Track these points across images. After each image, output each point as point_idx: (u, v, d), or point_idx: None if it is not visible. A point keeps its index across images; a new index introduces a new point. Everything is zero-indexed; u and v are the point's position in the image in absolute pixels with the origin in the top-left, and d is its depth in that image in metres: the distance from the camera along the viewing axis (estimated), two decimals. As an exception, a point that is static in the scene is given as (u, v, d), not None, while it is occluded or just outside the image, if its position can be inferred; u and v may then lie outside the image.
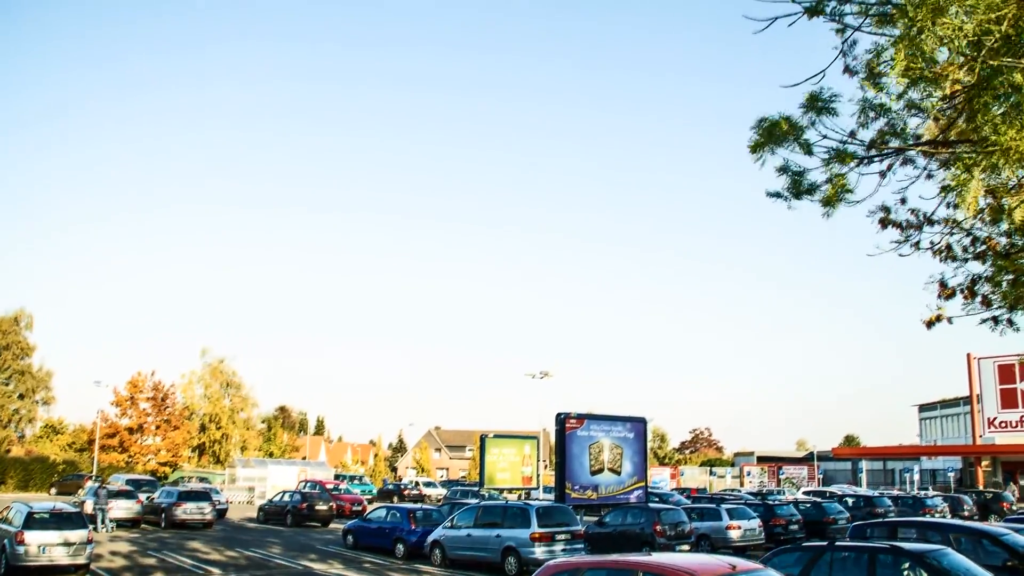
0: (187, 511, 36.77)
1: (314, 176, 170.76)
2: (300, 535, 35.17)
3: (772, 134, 10.17)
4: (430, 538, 26.35)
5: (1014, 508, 44.00)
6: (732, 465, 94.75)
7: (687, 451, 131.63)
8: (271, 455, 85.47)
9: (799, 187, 10.76)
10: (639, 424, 32.74)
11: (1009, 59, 8.66)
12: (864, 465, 76.30)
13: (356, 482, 67.00)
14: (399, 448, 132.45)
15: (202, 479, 59.69)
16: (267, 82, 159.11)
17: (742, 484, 77.70)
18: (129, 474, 56.77)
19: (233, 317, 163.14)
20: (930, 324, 13.61)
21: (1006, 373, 64.83)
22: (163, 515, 37.17)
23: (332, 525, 39.89)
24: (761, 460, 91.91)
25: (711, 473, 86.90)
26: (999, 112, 8.76)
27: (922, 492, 50.78)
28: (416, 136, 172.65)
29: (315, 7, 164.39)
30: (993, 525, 19.41)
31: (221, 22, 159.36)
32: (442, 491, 60.54)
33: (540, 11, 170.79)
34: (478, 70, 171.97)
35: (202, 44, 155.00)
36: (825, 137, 10.47)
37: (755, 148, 10.22)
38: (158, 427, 75.89)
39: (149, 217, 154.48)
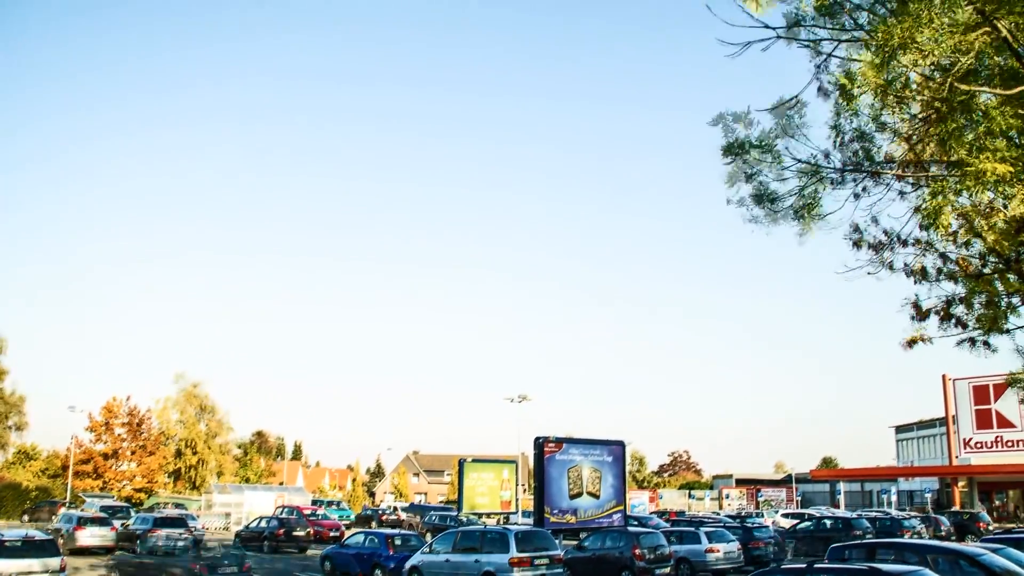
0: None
1: (292, 201, 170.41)
2: (277, 561, 34.88)
3: (744, 158, 10.24)
4: (408, 564, 26.14)
5: (991, 528, 44.17)
6: (711, 488, 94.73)
7: (666, 474, 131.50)
8: (247, 480, 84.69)
9: (774, 213, 10.81)
10: (617, 447, 32.71)
11: (978, 85, 8.77)
12: (842, 487, 76.43)
13: (334, 507, 66.43)
14: (377, 473, 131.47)
15: (178, 505, 59.06)
16: (249, 94, 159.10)
17: (721, 507, 77.63)
18: (103, 500, 56.07)
19: (209, 341, 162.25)
20: (911, 344, 13.68)
21: (981, 394, 65.28)
22: (138, 542, 36.68)
23: (310, 551, 39.51)
24: (740, 483, 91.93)
25: (690, 496, 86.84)
26: (971, 136, 8.86)
27: (899, 513, 50.89)
28: (398, 160, 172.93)
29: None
30: (970, 546, 19.45)
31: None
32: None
33: (509, 43, 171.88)
34: (445, 105, 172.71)
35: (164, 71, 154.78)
36: (799, 161, 10.54)
37: (730, 181, 10.29)
38: (133, 452, 75.03)
39: (123, 240, 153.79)
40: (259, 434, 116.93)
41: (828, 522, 39.39)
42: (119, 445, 74.82)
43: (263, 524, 41.39)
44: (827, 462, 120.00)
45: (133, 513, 44.68)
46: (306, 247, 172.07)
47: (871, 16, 9.29)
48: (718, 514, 59.14)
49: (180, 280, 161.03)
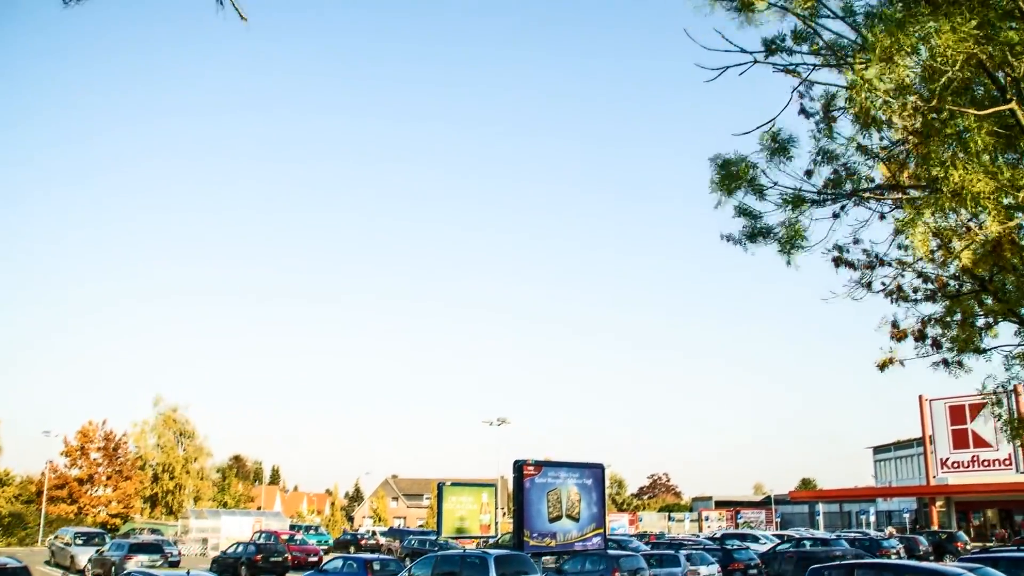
0: (138, 564, 35.85)
1: (271, 230, 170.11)
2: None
3: (729, 174, 10.28)
4: (387, 588, 26.00)
5: (968, 548, 44.34)
6: (690, 510, 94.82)
7: (645, 496, 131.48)
8: (225, 505, 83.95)
9: (754, 231, 10.85)
10: (597, 470, 32.65)
11: (957, 103, 8.86)
12: (821, 508, 76.67)
13: (312, 532, 65.88)
14: (355, 497, 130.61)
15: (154, 531, 58.46)
16: (223, 118, 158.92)
17: (700, 529, 77.63)
18: (79, 527, 55.44)
19: (188, 365, 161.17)
20: (883, 367, 13.78)
21: (957, 414, 65.84)
22: (113, 569, 36.26)
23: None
24: (719, 505, 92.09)
25: (670, 518, 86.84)
26: (948, 154, 8.94)
27: (878, 533, 50.99)
28: (376, 174, 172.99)
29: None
30: (947, 565, 19.54)
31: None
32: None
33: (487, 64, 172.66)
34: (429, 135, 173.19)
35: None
36: (776, 184, 10.60)
37: (718, 185, 10.32)
38: (109, 477, 74.33)
39: (99, 261, 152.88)
40: (237, 458, 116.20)
41: (807, 543, 39.44)
42: (94, 470, 74.14)
43: (240, 549, 40.94)
44: (806, 483, 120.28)
45: (108, 539, 44.12)
46: (284, 272, 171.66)
47: (853, 40, 9.38)
48: (698, 536, 59.19)
49: (159, 304, 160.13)
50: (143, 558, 35.87)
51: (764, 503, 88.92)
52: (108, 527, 65.75)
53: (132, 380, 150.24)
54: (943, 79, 8.25)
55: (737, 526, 75.43)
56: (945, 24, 7.83)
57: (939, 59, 8.03)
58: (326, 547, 56.88)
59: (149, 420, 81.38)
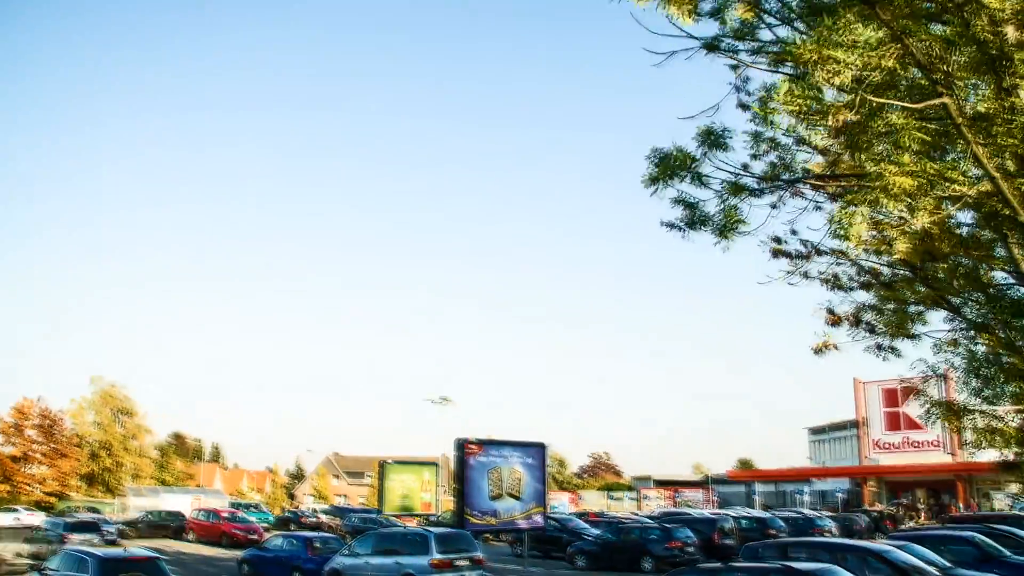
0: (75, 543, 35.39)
1: (208, 202, 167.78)
2: (197, 564, 34.32)
3: (667, 166, 10.44)
4: (328, 567, 25.97)
5: (901, 527, 45.48)
6: (631, 489, 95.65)
7: (586, 476, 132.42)
8: (165, 483, 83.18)
9: (693, 218, 11.03)
10: (539, 449, 32.88)
11: (889, 98, 9.10)
12: (758, 488, 77.95)
13: (253, 510, 65.52)
14: (297, 475, 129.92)
15: (91, 509, 57.80)
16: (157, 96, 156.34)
17: (640, 508, 78.46)
18: (12, 505, 54.63)
19: (127, 342, 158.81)
20: (818, 351, 14.10)
21: (890, 397, 67.42)
22: (46, 549, 35.68)
23: (228, 554, 38.92)
24: (659, 484, 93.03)
25: (610, 497, 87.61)
26: (880, 149, 9.20)
27: (812, 513, 52.10)
28: (316, 169, 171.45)
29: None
30: (878, 543, 20.10)
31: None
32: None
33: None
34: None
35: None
36: (719, 168, 10.79)
37: (651, 181, 10.47)
38: (45, 455, 73.17)
39: (31, 234, 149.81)
40: (177, 436, 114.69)
41: (744, 522, 40.17)
42: (30, 448, 72.90)
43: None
44: (744, 464, 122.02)
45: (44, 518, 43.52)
46: (223, 247, 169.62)
47: (792, 29, 9.58)
48: (637, 515, 59.87)
49: (97, 280, 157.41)
50: (80, 537, 35.38)
51: (703, 483, 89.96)
52: (44, 506, 64.70)
53: (69, 358, 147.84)
54: (873, 77, 8.48)
55: (676, 505, 76.36)
56: (871, 28, 8.08)
57: (869, 60, 8.25)
58: (267, 525, 56.64)
59: (87, 397, 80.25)
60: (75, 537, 35.11)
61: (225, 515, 48.73)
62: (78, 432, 78.50)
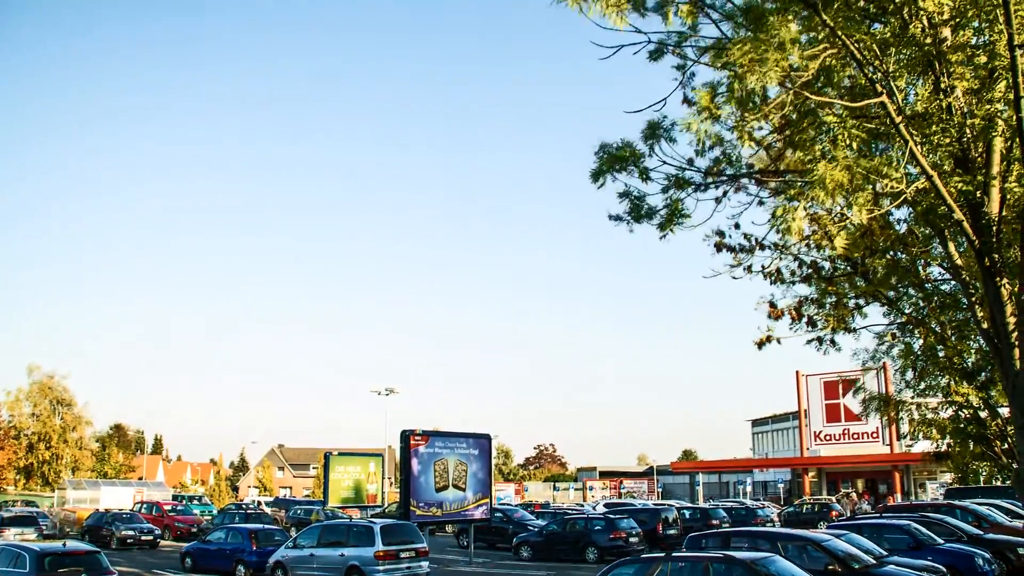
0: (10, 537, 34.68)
1: (154, 193, 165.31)
2: (136, 557, 33.92)
3: (613, 161, 10.55)
4: (272, 559, 25.79)
5: (840, 516, 46.35)
6: (575, 480, 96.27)
7: (531, 467, 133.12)
8: (105, 476, 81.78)
9: (639, 211, 11.16)
10: (484, 441, 32.98)
11: (823, 96, 9.29)
12: (701, 478, 78.97)
13: (196, 502, 64.80)
14: (241, 467, 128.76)
15: (28, 503, 56.76)
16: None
17: (584, 499, 79.00)
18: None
19: (65, 332, 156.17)
20: (761, 344, 14.34)
21: (831, 389, 68.75)
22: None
23: (170, 548, 38.47)
24: (603, 475, 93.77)
25: (555, 488, 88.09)
26: (819, 146, 9.39)
27: (753, 503, 52.87)
28: (271, 153, 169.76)
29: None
30: (817, 532, 20.54)
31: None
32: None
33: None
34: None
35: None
36: (664, 163, 10.92)
37: (596, 175, 10.57)
38: (-21, 447, 71.74)
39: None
40: (118, 427, 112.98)
41: (687, 512, 40.65)
42: (-37, 439, 71.44)
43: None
44: (687, 454, 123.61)
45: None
46: (167, 238, 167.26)
47: (734, 25, 9.72)
48: (582, 505, 60.26)
49: (35, 269, 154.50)
50: (15, 531, 34.66)
51: (647, 473, 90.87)
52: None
53: (4, 348, 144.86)
54: (807, 76, 8.65)
55: (620, 496, 77.00)
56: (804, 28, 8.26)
57: (802, 60, 8.42)
58: (210, 517, 56.10)
59: (24, 388, 78.55)
60: (10, 531, 34.42)
61: (167, 508, 48.17)
62: (15, 424, 76.86)
